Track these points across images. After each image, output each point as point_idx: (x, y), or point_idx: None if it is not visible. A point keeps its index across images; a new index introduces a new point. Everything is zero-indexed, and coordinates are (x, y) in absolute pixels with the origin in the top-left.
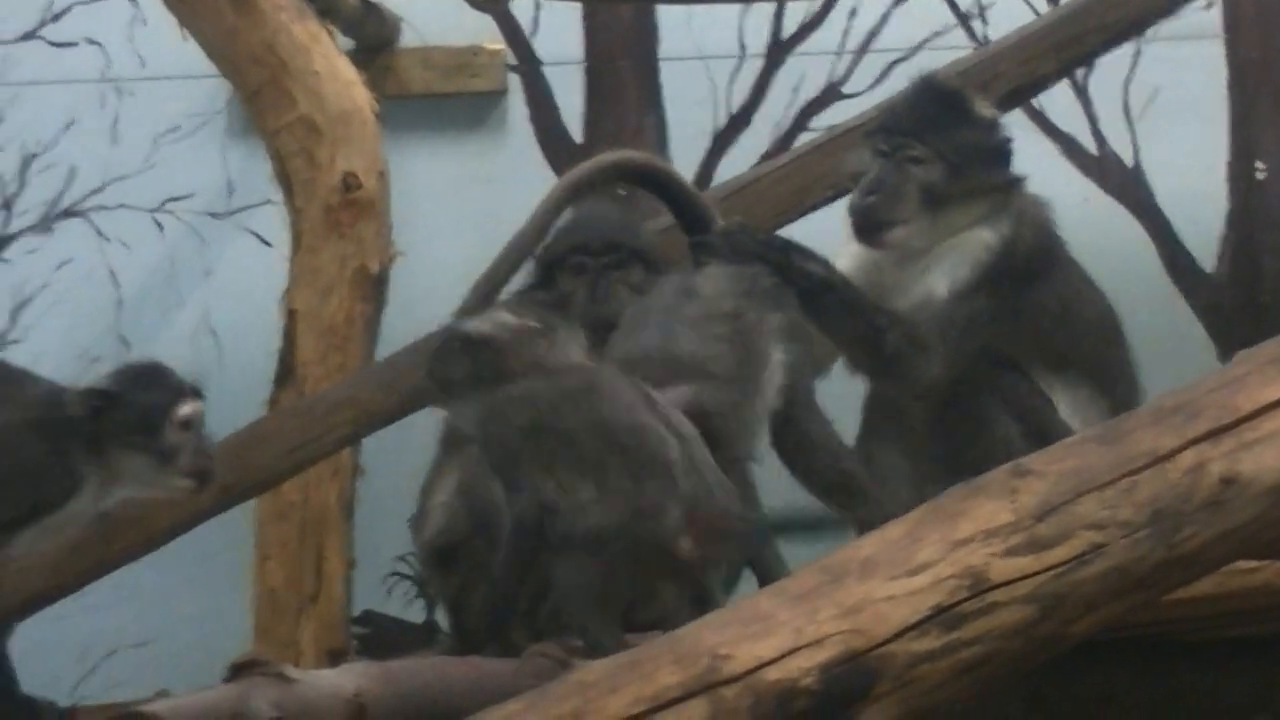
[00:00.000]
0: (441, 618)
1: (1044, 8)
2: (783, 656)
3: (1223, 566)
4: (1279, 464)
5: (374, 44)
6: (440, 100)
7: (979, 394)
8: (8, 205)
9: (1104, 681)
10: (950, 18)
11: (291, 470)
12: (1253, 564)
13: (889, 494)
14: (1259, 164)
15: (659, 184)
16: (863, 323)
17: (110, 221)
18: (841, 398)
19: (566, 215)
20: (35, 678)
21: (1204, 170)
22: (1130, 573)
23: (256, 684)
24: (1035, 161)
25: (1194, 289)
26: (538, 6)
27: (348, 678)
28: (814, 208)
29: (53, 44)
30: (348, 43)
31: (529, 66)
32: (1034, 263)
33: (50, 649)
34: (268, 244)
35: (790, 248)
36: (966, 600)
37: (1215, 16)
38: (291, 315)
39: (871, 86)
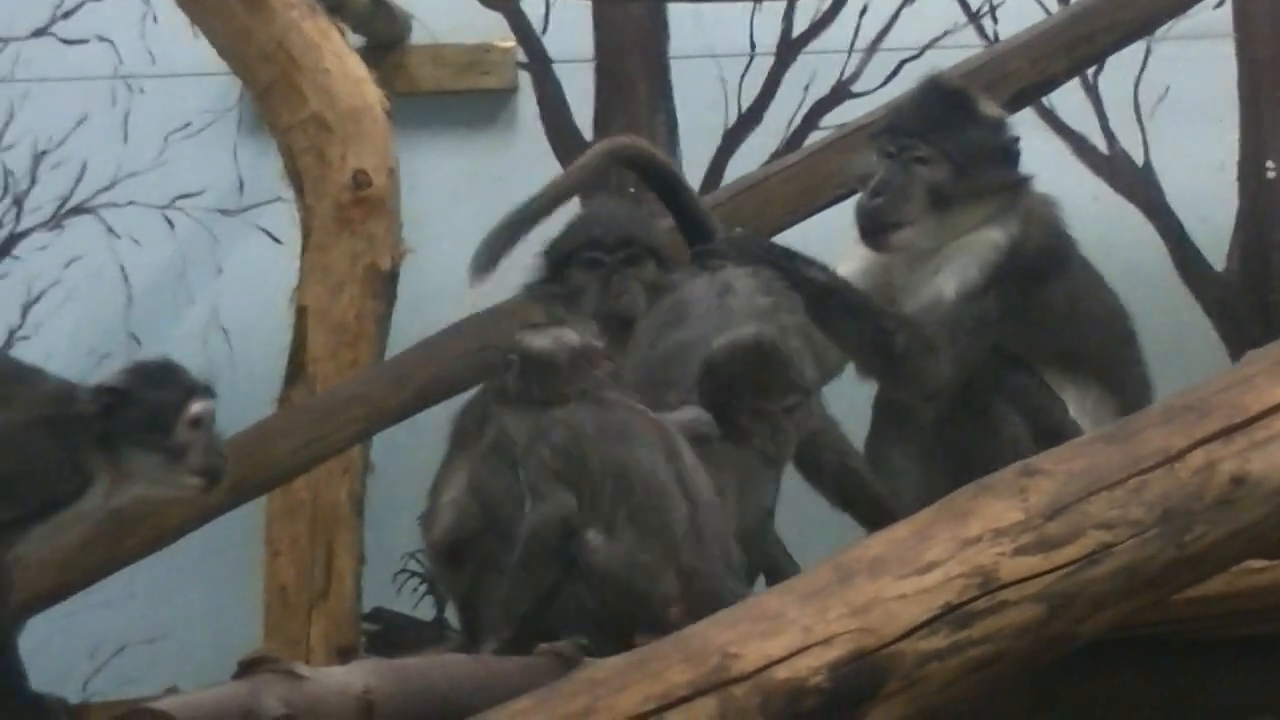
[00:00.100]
0: (451, 615)
1: (1054, 6)
2: (792, 655)
3: (1232, 566)
4: None
5: (384, 41)
6: (451, 98)
7: (989, 394)
8: (18, 202)
9: (1113, 681)
10: (961, 16)
11: (302, 467)
12: (1262, 563)
13: (898, 495)
14: (1269, 163)
15: (671, 189)
16: (870, 326)
17: (121, 218)
18: (850, 400)
19: (577, 211)
20: (45, 674)
21: (1214, 169)
22: (1140, 572)
23: (266, 681)
24: (1045, 160)
25: (1204, 288)
26: (548, 4)
27: (357, 675)
28: (824, 206)
29: (64, 41)
30: (358, 40)
31: (540, 64)
32: (1043, 262)
33: (60, 645)
34: (278, 241)
35: (792, 254)
36: (976, 599)
37: (1226, 15)
38: (302, 312)
39: (882, 85)
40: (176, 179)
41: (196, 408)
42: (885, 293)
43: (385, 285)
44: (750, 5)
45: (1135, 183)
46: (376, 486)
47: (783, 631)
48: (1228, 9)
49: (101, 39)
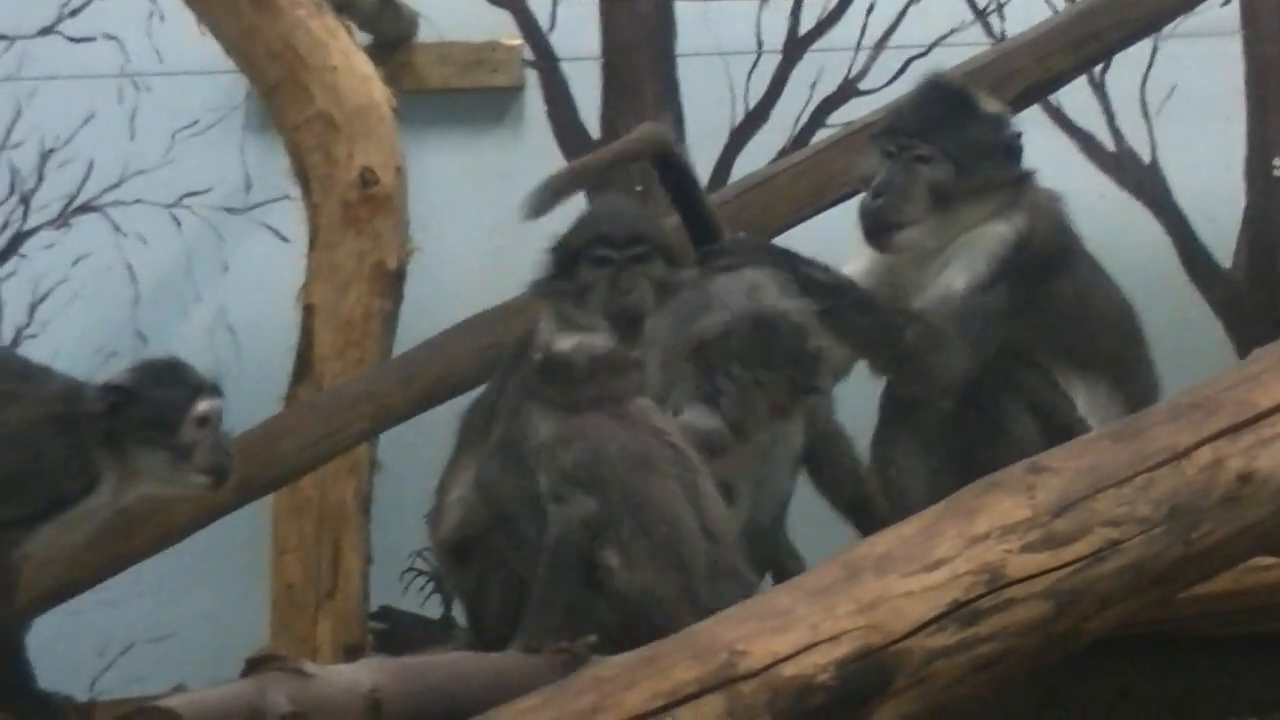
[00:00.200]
0: (458, 613)
1: (1061, 4)
2: (800, 652)
3: (1240, 563)
4: None
5: (391, 39)
6: (457, 95)
7: (998, 393)
8: (25, 200)
9: (1119, 678)
10: (967, 14)
11: (309, 465)
12: (1269, 560)
13: (904, 493)
14: (1276, 161)
15: (686, 187)
16: (879, 322)
17: (128, 217)
18: (853, 399)
19: (584, 207)
20: (53, 672)
21: (1221, 167)
22: (1147, 569)
23: (273, 679)
24: (1052, 158)
25: (1211, 285)
26: (555, 2)
27: (364, 673)
28: (831, 204)
29: (71, 39)
30: (365, 38)
31: (546, 62)
32: (1050, 256)
33: (68, 643)
34: (285, 239)
35: (795, 255)
36: (983, 596)
37: (1233, 13)
38: (309, 310)
39: (888, 83)
40: (183, 177)
41: (203, 406)
42: (892, 293)
43: (392, 283)
44: (757, 3)
45: (1142, 180)
46: (383, 485)
47: (790, 629)
48: (1235, 6)
49: (108, 37)
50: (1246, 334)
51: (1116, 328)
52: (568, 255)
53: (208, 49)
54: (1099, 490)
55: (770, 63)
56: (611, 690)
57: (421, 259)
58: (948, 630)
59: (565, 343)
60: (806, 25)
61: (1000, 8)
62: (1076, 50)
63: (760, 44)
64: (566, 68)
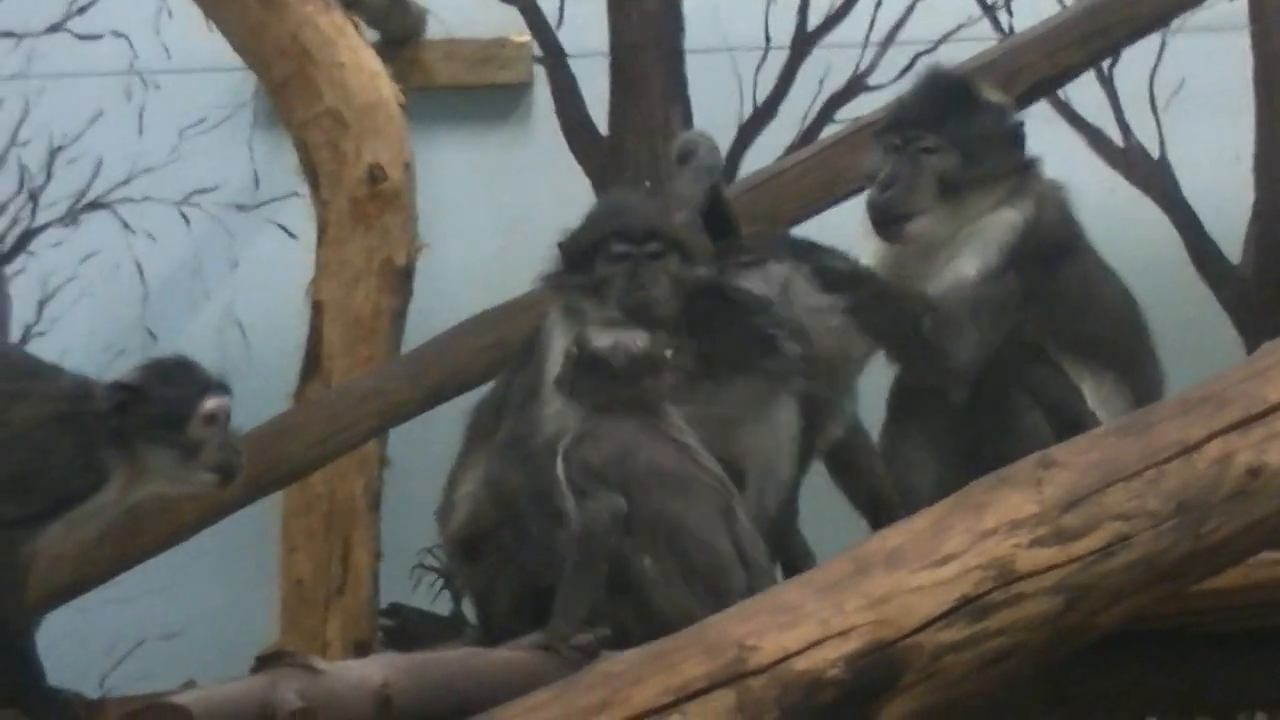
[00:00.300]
0: (468, 609)
1: (1069, 0)
2: (810, 647)
3: (1249, 558)
4: None
5: (400, 36)
6: (466, 92)
7: (1008, 386)
8: (34, 197)
9: (1128, 673)
10: (976, 9)
11: (318, 462)
12: (1279, 555)
13: (913, 488)
14: None
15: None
16: (897, 311)
17: (136, 214)
18: (862, 392)
19: (598, 202)
20: (63, 669)
21: (1230, 162)
22: (1156, 564)
23: (284, 675)
24: (1061, 153)
25: (1220, 281)
26: None
27: (375, 669)
28: (839, 200)
29: (79, 36)
30: (373, 35)
31: (555, 58)
32: (1056, 244)
33: (78, 641)
34: (294, 236)
35: (816, 246)
36: (993, 591)
37: (1241, 8)
38: (317, 307)
39: (897, 79)
40: (192, 174)
41: (211, 404)
42: (901, 284)
43: (401, 280)
44: None
45: (1151, 175)
46: (393, 481)
47: (800, 624)
48: (1243, 1)
49: (116, 34)
50: (1255, 329)
51: (1122, 318)
52: (583, 249)
53: (216, 46)
54: (1108, 484)
55: (778, 59)
56: (621, 685)
57: (430, 256)
58: (957, 625)
59: (603, 340)
60: (814, 21)
61: (1008, 3)
62: (1085, 45)
63: (768, 40)
64: (575, 64)
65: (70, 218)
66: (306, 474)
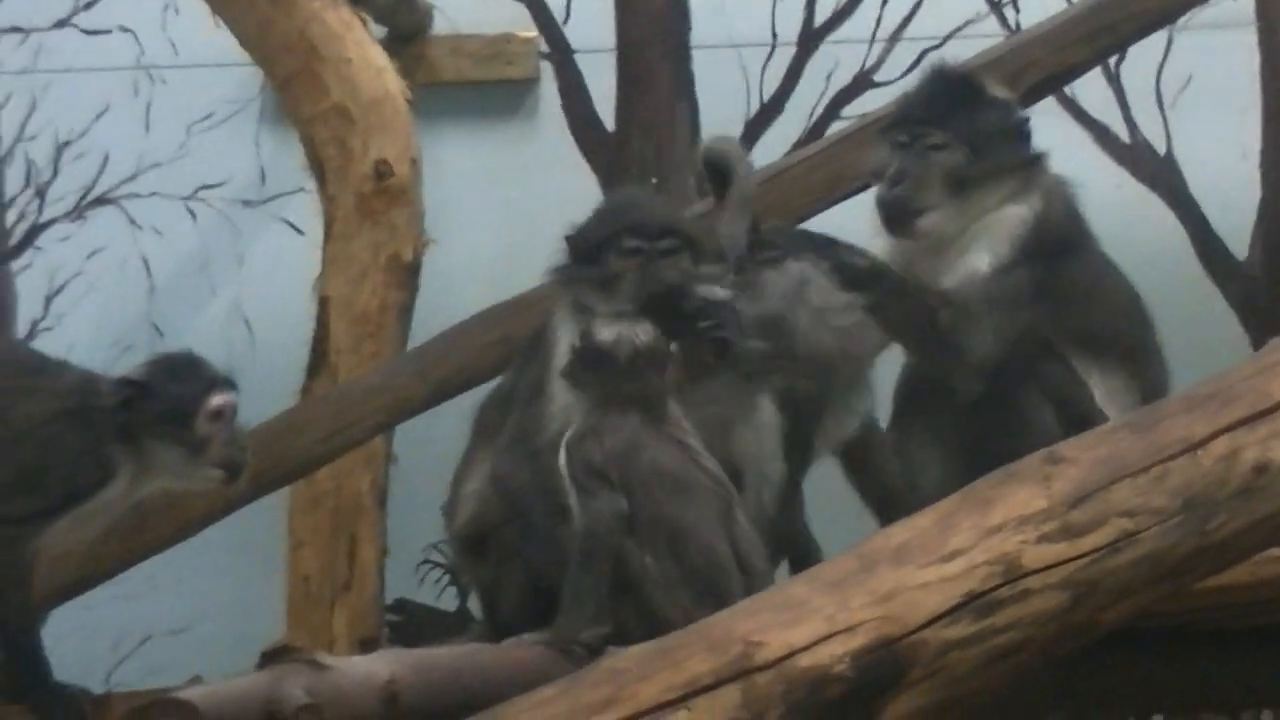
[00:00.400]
0: (474, 606)
1: None
2: (815, 643)
3: (1255, 554)
4: None
5: (406, 32)
6: (472, 88)
7: (1018, 382)
8: (41, 193)
9: (1135, 669)
10: (983, 6)
11: (324, 458)
12: None
13: (918, 485)
14: None
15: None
16: (914, 305)
17: (143, 209)
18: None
19: (609, 197)
20: (69, 665)
21: (1237, 158)
22: (1162, 560)
23: (289, 671)
24: (1067, 149)
25: (1226, 277)
26: None
27: (381, 665)
28: (846, 196)
29: (86, 32)
30: (380, 30)
31: (561, 54)
32: (1064, 239)
33: (84, 636)
34: (300, 232)
35: (834, 241)
36: (999, 587)
37: (1248, 4)
38: (324, 303)
39: (903, 75)
40: (198, 170)
41: (217, 400)
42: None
43: (407, 276)
44: None
45: (1157, 172)
46: (399, 477)
47: (806, 620)
48: None
49: (123, 30)
50: (1261, 325)
51: (1129, 313)
52: (595, 244)
53: (223, 42)
54: (1115, 481)
55: (785, 55)
56: (626, 682)
57: (436, 251)
58: (964, 621)
59: (607, 332)
60: (821, 17)
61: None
62: (1092, 42)
63: (775, 36)
64: (581, 60)
65: (77, 213)
66: (313, 470)
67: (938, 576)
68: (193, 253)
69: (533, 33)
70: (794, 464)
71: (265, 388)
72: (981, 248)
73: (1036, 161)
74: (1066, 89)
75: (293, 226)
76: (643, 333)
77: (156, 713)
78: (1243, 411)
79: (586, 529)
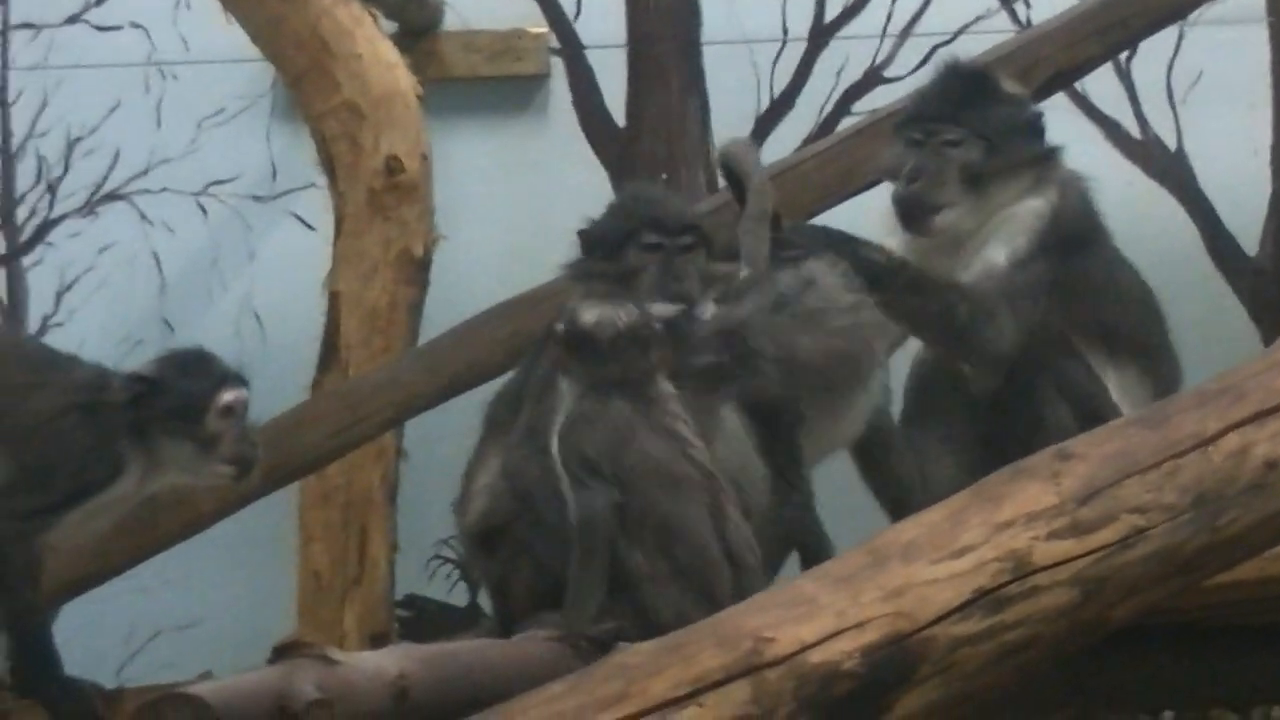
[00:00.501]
0: (484, 601)
1: None
2: (825, 639)
3: (1265, 551)
4: None
5: (417, 27)
6: (483, 84)
7: (1034, 378)
8: (52, 189)
9: (1144, 666)
10: (993, 1)
11: (335, 453)
12: None
13: (928, 480)
14: None
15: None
16: (934, 301)
17: (154, 205)
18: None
19: (625, 192)
20: (81, 659)
21: (1247, 154)
22: (1173, 557)
23: (300, 666)
24: (1078, 145)
25: (1237, 273)
26: None
27: (391, 660)
28: (857, 192)
29: (97, 28)
30: (391, 26)
31: (572, 50)
32: (1080, 232)
33: (96, 631)
34: (311, 227)
35: (851, 238)
36: (1009, 583)
37: (1259, 0)
38: (334, 298)
39: (914, 70)
40: (209, 166)
41: (228, 397)
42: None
43: (418, 271)
44: None
45: (1168, 168)
46: (409, 473)
47: (816, 616)
48: None
49: (135, 26)
50: (1272, 321)
51: (1142, 308)
52: (613, 239)
53: (234, 37)
54: (1125, 477)
55: (795, 50)
56: (637, 677)
57: (447, 247)
58: (974, 617)
59: (588, 315)
60: (832, 13)
61: None
62: (1103, 37)
63: (785, 32)
64: (592, 56)
65: (88, 209)
66: (323, 465)
67: (948, 573)
68: (203, 248)
69: (543, 28)
70: (782, 467)
71: (275, 383)
72: (999, 241)
73: (1051, 156)
74: (1077, 85)
75: (303, 222)
76: (625, 314)
77: (167, 708)
78: (1254, 407)
79: (584, 521)
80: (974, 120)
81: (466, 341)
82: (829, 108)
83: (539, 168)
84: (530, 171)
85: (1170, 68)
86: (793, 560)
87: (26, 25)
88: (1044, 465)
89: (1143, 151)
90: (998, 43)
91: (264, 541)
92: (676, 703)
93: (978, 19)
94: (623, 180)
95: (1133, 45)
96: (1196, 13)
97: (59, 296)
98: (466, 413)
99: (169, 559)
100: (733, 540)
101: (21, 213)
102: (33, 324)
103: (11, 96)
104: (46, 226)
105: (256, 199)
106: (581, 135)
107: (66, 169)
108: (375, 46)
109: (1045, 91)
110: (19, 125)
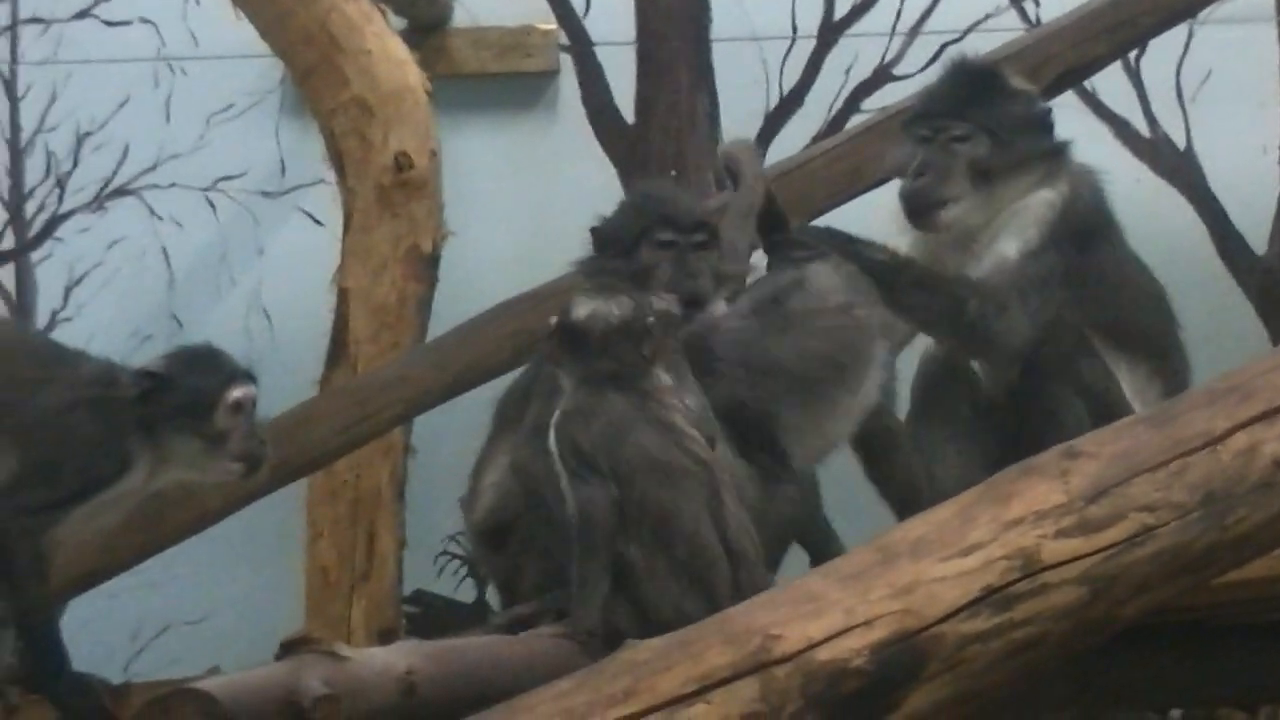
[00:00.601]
0: (492, 597)
1: None
2: (834, 637)
3: (1274, 549)
4: None
5: (426, 24)
6: (492, 80)
7: (1047, 374)
8: (61, 184)
9: (1153, 664)
10: (1003, 0)
11: (343, 449)
12: None
13: (936, 479)
14: None
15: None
16: (940, 296)
17: (163, 200)
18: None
19: (637, 189)
20: (88, 655)
21: (1256, 153)
22: (1181, 555)
23: (308, 662)
24: (1087, 143)
25: (1245, 271)
26: None
27: (399, 656)
28: (866, 189)
29: (107, 23)
30: (400, 22)
31: (581, 47)
32: (1092, 226)
33: (103, 626)
34: (320, 223)
35: (854, 238)
36: (1018, 581)
37: (1269, 0)
38: (343, 294)
39: (923, 68)
40: (218, 161)
41: (237, 393)
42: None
43: (427, 267)
44: None
45: (1177, 166)
46: (417, 469)
47: (824, 613)
48: None
49: (144, 21)
50: None
51: (1153, 304)
52: (626, 237)
53: (243, 33)
54: (1134, 475)
55: (805, 48)
56: (645, 674)
57: (456, 243)
58: (982, 615)
59: (581, 309)
60: (841, 10)
61: None
62: (1112, 36)
63: (795, 29)
64: (601, 52)
65: (97, 204)
66: (331, 461)
67: (956, 570)
68: (212, 244)
69: (553, 25)
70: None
71: (284, 379)
72: (1009, 234)
73: (1061, 150)
74: (1086, 83)
75: (312, 218)
76: (618, 308)
77: (175, 703)
78: (1262, 406)
79: (584, 516)
80: (981, 116)
81: (475, 338)
82: (838, 105)
83: (548, 164)
84: (539, 168)
85: (1179, 66)
86: (799, 557)
87: (36, 20)
88: (1052, 463)
89: (1151, 150)
90: (1007, 40)
91: (272, 537)
92: (684, 699)
93: (987, 17)
94: (632, 177)
95: (1142, 43)
96: (1206, 11)
97: (67, 291)
98: (475, 409)
99: (177, 554)
100: (731, 530)
101: (30, 207)
102: (41, 319)
103: (21, 91)
104: (55, 221)
105: (265, 195)
106: (590, 132)
107: (75, 164)
108: (384, 42)
109: (1054, 89)
110: (28, 120)
